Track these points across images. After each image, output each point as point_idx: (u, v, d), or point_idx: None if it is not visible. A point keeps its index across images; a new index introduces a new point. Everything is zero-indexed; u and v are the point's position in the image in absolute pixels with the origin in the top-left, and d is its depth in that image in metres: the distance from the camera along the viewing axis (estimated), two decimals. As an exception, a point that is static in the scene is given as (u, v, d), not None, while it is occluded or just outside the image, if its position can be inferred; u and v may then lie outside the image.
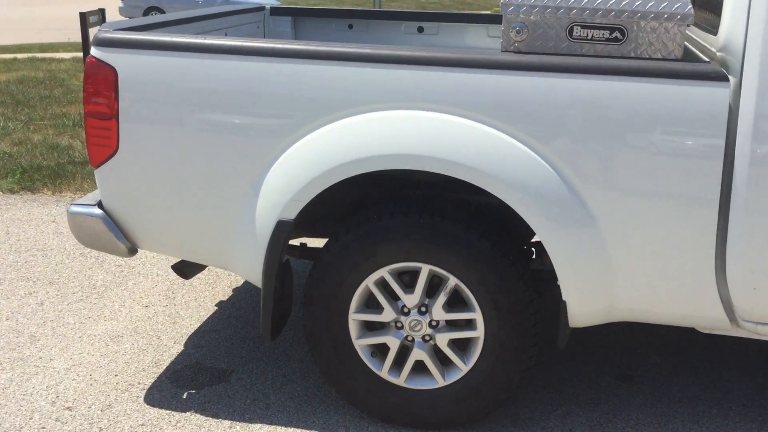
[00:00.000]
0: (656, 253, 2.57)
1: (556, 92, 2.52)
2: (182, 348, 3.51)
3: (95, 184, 5.85)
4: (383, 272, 2.77)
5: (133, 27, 3.07)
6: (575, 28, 2.57)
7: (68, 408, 3.05)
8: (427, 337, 2.84)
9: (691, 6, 2.50)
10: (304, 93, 2.67)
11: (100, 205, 2.99)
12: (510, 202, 2.57)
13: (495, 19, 4.24)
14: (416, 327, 2.83)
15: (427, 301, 2.81)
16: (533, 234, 3.11)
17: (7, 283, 4.17)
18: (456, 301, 2.82)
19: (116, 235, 2.97)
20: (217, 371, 3.33)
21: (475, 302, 2.73)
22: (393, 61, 2.60)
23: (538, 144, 2.55)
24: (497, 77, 2.55)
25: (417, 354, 2.84)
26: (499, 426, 2.96)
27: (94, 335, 3.62)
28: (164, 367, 3.34)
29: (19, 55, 13.15)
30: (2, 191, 5.74)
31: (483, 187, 2.58)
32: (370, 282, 2.79)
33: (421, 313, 2.81)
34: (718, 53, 2.58)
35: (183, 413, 3.02)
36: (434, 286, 2.83)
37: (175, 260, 4.40)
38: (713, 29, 2.69)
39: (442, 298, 2.77)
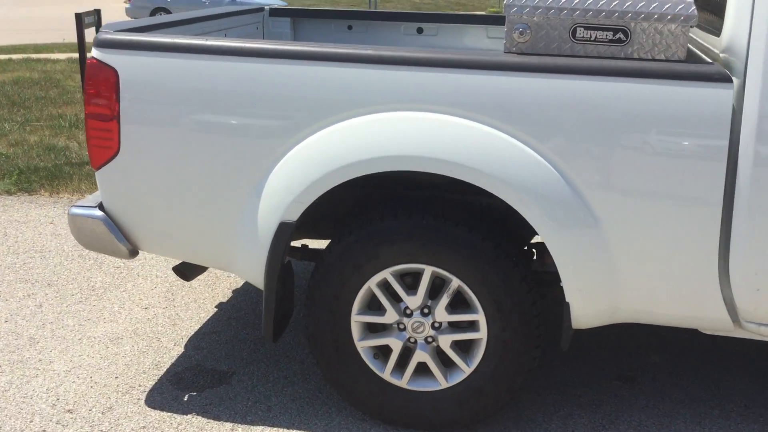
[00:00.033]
0: (660, 254, 2.57)
1: (559, 93, 2.52)
2: (182, 350, 3.50)
3: (93, 185, 5.84)
4: (386, 274, 2.76)
5: (134, 28, 3.06)
6: (578, 29, 2.57)
7: (69, 411, 3.04)
8: (429, 339, 2.83)
9: (694, 7, 2.50)
10: (306, 94, 2.67)
11: (100, 206, 2.98)
12: (513, 204, 2.57)
13: (494, 20, 4.23)
14: (419, 328, 2.82)
15: (429, 303, 2.80)
16: (532, 235, 3.11)
17: (6, 285, 4.16)
18: (458, 303, 2.81)
19: (117, 237, 2.96)
20: (218, 373, 3.32)
21: (478, 304, 2.73)
22: (396, 63, 2.59)
23: (541, 145, 2.55)
24: (500, 78, 2.55)
25: (419, 356, 2.84)
26: (502, 428, 2.95)
27: (94, 337, 3.61)
28: (165, 369, 3.33)
29: (14, 56, 13.11)
30: (-1, 192, 5.73)
31: (486, 189, 2.58)
32: (372, 283, 2.78)
33: (424, 315, 2.81)
34: (721, 54, 2.58)
35: (184, 416, 3.01)
36: (436, 287, 2.82)
37: (175, 262, 4.39)
38: (715, 30, 2.69)
39: (445, 300, 2.76)
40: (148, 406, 3.07)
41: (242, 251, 2.85)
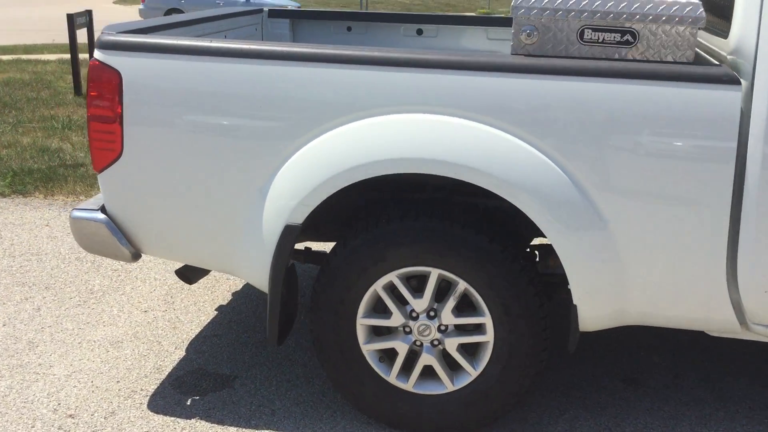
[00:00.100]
0: (667, 257, 2.57)
1: (566, 96, 2.51)
2: (184, 353, 3.47)
3: (87, 187, 5.80)
4: (392, 276, 2.75)
5: (135, 30, 3.03)
6: (586, 31, 2.57)
7: (71, 415, 3.01)
8: (435, 342, 2.82)
9: (702, 9, 2.50)
10: (312, 96, 2.65)
11: (103, 209, 2.95)
12: (521, 206, 2.56)
13: (494, 22, 4.23)
14: (425, 331, 2.81)
15: (435, 306, 2.79)
16: (533, 237, 3.11)
17: (3, 288, 4.12)
18: (465, 306, 2.80)
19: (120, 240, 2.93)
20: (221, 377, 3.29)
21: (484, 306, 2.72)
22: (403, 65, 2.58)
23: (549, 148, 2.54)
24: (508, 81, 2.54)
25: (425, 359, 2.82)
26: (508, 430, 2.94)
27: (94, 341, 3.58)
28: (166, 373, 3.31)
29: (4, 57, 13.02)
30: (-7, 195, 5.69)
31: (494, 191, 2.57)
32: (378, 286, 2.77)
33: (430, 318, 2.79)
34: (728, 56, 2.58)
35: (188, 420, 2.99)
36: (442, 290, 2.81)
37: (177, 265, 4.36)
38: (722, 32, 2.69)
39: (451, 303, 2.75)
40: (151, 411, 3.04)
41: (247, 254, 2.83)
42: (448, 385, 2.83)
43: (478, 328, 2.79)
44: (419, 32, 4.28)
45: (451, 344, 2.80)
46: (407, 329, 2.82)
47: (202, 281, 4.20)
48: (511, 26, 4.21)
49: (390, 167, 2.58)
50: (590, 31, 2.56)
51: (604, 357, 3.47)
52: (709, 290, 2.60)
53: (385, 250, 2.70)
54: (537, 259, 3.20)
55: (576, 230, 2.56)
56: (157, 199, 2.85)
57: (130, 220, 2.92)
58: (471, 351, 2.86)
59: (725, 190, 2.49)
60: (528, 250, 3.17)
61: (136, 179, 2.85)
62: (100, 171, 2.89)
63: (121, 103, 2.79)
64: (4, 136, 7.24)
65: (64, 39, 15.50)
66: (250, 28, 4.21)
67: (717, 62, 2.63)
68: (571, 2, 2.55)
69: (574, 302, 2.65)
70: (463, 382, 2.82)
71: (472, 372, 2.80)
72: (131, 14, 26.01)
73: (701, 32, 3.16)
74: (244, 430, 2.94)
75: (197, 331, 3.68)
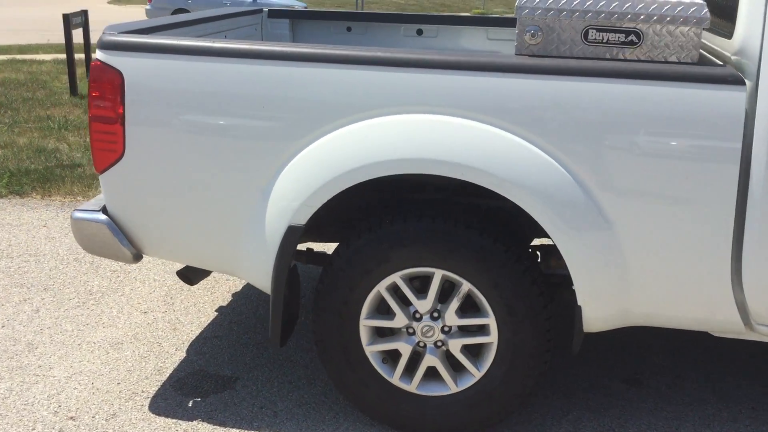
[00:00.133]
0: (672, 257, 2.56)
1: (571, 96, 2.51)
2: (184, 355, 3.46)
3: (85, 187, 5.78)
4: (395, 277, 2.74)
5: (136, 30, 3.02)
6: (590, 31, 2.56)
7: (71, 418, 2.99)
8: (439, 343, 2.81)
9: (707, 9, 2.50)
10: (315, 96, 2.64)
11: (104, 210, 2.94)
12: (526, 207, 2.55)
13: (494, 22, 4.22)
14: (428, 333, 2.80)
15: (439, 307, 2.78)
16: (534, 238, 3.10)
17: (1, 289, 4.10)
18: (468, 307, 2.79)
19: (121, 241, 2.91)
20: (222, 378, 3.28)
21: (488, 307, 2.71)
22: (408, 65, 2.57)
23: (553, 148, 2.53)
24: (512, 81, 2.53)
25: (429, 360, 2.81)
26: (511, 432, 2.94)
27: (94, 342, 3.56)
28: (167, 375, 3.29)
29: (-1, 57, 12.99)
30: (-10, 195, 5.66)
31: (498, 192, 2.56)
32: (382, 287, 2.76)
33: (434, 319, 2.78)
34: (732, 57, 2.58)
35: (190, 422, 2.97)
36: (445, 291, 2.80)
37: (176, 266, 4.34)
38: (727, 33, 2.69)
39: (455, 304, 2.74)
40: (153, 413, 3.02)
41: (249, 255, 2.81)
42: (451, 386, 2.82)
43: (482, 329, 2.78)
44: (419, 32, 4.27)
45: (455, 345, 2.79)
46: (410, 330, 2.81)
47: (202, 282, 4.18)
48: (510, 26, 4.21)
49: (396, 168, 2.57)
50: (594, 31, 2.56)
51: (605, 357, 3.47)
52: (713, 291, 2.59)
53: (389, 251, 2.69)
54: (538, 260, 3.19)
55: (581, 231, 2.55)
56: (158, 199, 2.84)
57: (132, 220, 2.90)
58: (474, 352, 2.85)
59: (730, 191, 2.49)
60: (529, 250, 3.16)
61: (138, 180, 2.83)
62: (102, 172, 2.87)
63: (122, 103, 2.78)
64: (0, 137, 7.21)
65: (59, 39, 15.45)
66: (250, 29, 4.20)
67: (721, 63, 2.62)
68: (575, 2, 2.54)
69: (579, 303, 2.65)
70: (467, 383, 2.82)
71: (475, 373, 2.80)
72: (126, 14, 25.95)
73: (704, 33, 3.16)
74: (246, 431, 2.93)
75: (197, 332, 3.66)
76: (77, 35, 9.98)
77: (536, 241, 4.14)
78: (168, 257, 2.97)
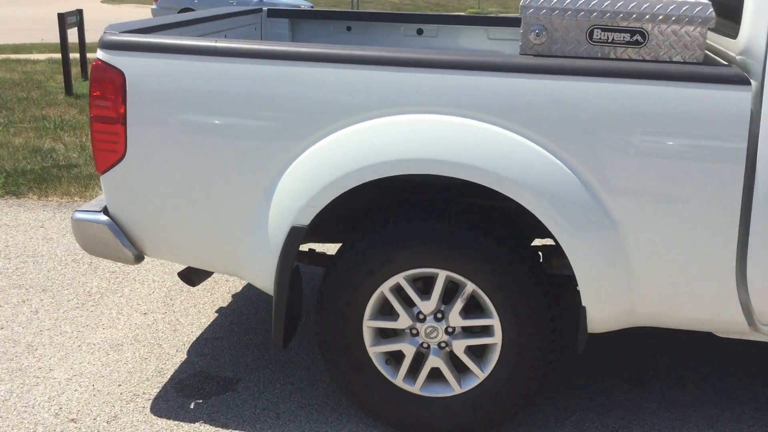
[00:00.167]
0: (677, 258, 2.56)
1: (576, 96, 2.50)
2: (185, 356, 3.44)
3: (82, 187, 5.75)
4: (399, 278, 2.73)
5: (137, 29, 3.00)
6: (595, 31, 2.55)
7: (73, 420, 2.97)
8: (443, 344, 2.80)
9: (712, 9, 2.49)
10: (319, 96, 2.62)
11: (105, 211, 2.92)
12: (531, 207, 2.54)
13: (494, 22, 4.21)
14: (432, 334, 2.79)
15: (443, 308, 2.77)
16: (535, 238, 3.10)
17: (-1, 290, 4.08)
18: (472, 307, 2.78)
19: (123, 242, 2.90)
20: (223, 380, 3.26)
21: (492, 308, 2.70)
22: (413, 65, 2.56)
23: (559, 149, 2.52)
24: (517, 81, 2.52)
25: (433, 361, 2.80)
26: (515, 433, 2.93)
27: (94, 344, 3.54)
28: (168, 377, 3.27)
29: (-7, 56, 12.93)
30: (-14, 196, 5.63)
31: (503, 192, 2.55)
32: (385, 288, 2.74)
33: (437, 320, 2.77)
34: (737, 57, 2.57)
35: (192, 424, 2.96)
36: (449, 291, 2.79)
37: (176, 266, 4.33)
38: (730, 33, 2.68)
39: (459, 305, 2.73)
40: (154, 415, 3.01)
41: (252, 256, 2.80)
42: (455, 387, 2.81)
43: (486, 330, 2.77)
44: (419, 32, 4.26)
45: (459, 346, 2.78)
46: (414, 331, 2.80)
47: (202, 283, 4.16)
48: (511, 26, 4.20)
49: (402, 168, 2.55)
50: (599, 31, 2.55)
51: (606, 357, 3.46)
52: (718, 291, 2.59)
53: (393, 252, 2.68)
54: (540, 260, 3.18)
55: (585, 231, 2.55)
56: (160, 200, 2.82)
57: (133, 221, 2.88)
58: (478, 353, 2.84)
59: (735, 191, 2.48)
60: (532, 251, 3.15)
61: (140, 180, 2.82)
62: (103, 172, 2.85)
63: (124, 103, 2.76)
64: (-5, 137, 7.18)
65: (53, 38, 15.42)
66: (249, 28, 4.18)
67: (726, 63, 2.62)
68: (580, 2, 2.53)
69: (583, 304, 2.64)
70: (471, 384, 2.81)
71: (479, 374, 2.78)
72: (120, 13, 25.90)
73: (709, 33, 3.15)
74: (249, 433, 2.92)
75: (198, 333, 3.65)
76: (72, 35, 9.94)
77: (536, 242, 4.13)
78: (170, 258, 2.95)
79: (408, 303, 2.80)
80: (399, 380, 2.84)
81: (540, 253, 3.18)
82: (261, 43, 2.68)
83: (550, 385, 3.24)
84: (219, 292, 4.08)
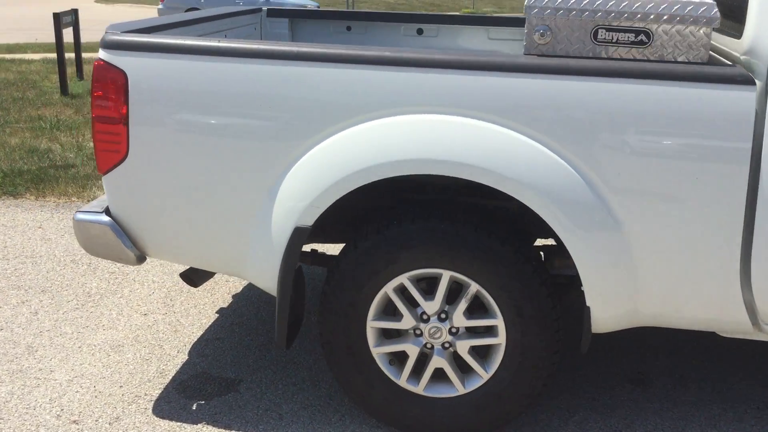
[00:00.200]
0: (681, 257, 2.56)
1: (580, 96, 2.49)
2: (186, 357, 3.43)
3: (79, 188, 5.73)
4: (403, 279, 2.72)
5: (139, 29, 2.99)
6: (600, 31, 2.55)
7: (75, 421, 2.96)
8: (446, 344, 2.79)
9: (716, 9, 2.49)
10: (323, 96, 2.62)
11: (107, 212, 2.91)
12: (535, 207, 2.54)
13: (495, 22, 4.21)
14: (436, 334, 2.78)
15: (447, 308, 2.76)
16: (537, 238, 3.09)
17: (-2, 291, 4.06)
18: (476, 308, 2.78)
19: (125, 243, 2.88)
20: (225, 381, 3.25)
21: (497, 309, 2.69)
22: (417, 65, 2.55)
23: (563, 149, 2.52)
24: (522, 81, 2.52)
25: (436, 361, 2.80)
26: (518, 433, 2.93)
27: (94, 345, 3.52)
28: (170, 378, 3.26)
29: (-13, 56, 12.88)
30: (-17, 196, 5.60)
31: (507, 193, 2.54)
32: (389, 289, 2.74)
33: (441, 320, 2.77)
34: (742, 57, 2.57)
35: (195, 425, 2.95)
36: (453, 292, 2.78)
37: (176, 266, 4.32)
38: (734, 33, 2.69)
39: (463, 305, 2.73)
40: (157, 416, 3.00)
41: (255, 257, 2.79)
42: (459, 387, 2.81)
43: (490, 330, 2.77)
44: (419, 32, 4.26)
45: (463, 347, 2.77)
46: (418, 332, 2.80)
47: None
48: (511, 26, 4.20)
49: (407, 168, 2.54)
50: (604, 31, 2.55)
51: (608, 357, 3.46)
52: (722, 291, 2.59)
53: (397, 252, 2.68)
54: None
55: (590, 231, 2.54)
56: (163, 201, 2.81)
57: (136, 222, 2.87)
58: (482, 353, 2.84)
59: (739, 191, 2.48)
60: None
61: (142, 181, 2.80)
62: (105, 173, 2.84)
63: (126, 103, 2.75)
64: (-9, 137, 7.15)
65: (47, 38, 15.36)
66: (249, 28, 4.17)
67: (730, 63, 2.62)
68: (584, 2, 2.53)
69: (588, 304, 2.64)
70: (475, 384, 2.80)
71: (483, 374, 2.78)
72: (113, 13, 25.84)
73: (712, 33, 3.15)
74: (252, 434, 2.91)
75: (199, 334, 3.64)
76: (67, 34, 9.90)
77: (538, 242, 4.13)
78: (172, 259, 2.94)
79: (412, 303, 2.79)
80: (403, 381, 2.83)
81: (541, 254, 3.18)
82: (264, 43, 2.67)
83: (553, 385, 3.24)
84: (219, 292, 4.07)
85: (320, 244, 4.53)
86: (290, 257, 2.71)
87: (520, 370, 2.74)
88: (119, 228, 2.89)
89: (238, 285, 4.16)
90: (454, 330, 2.77)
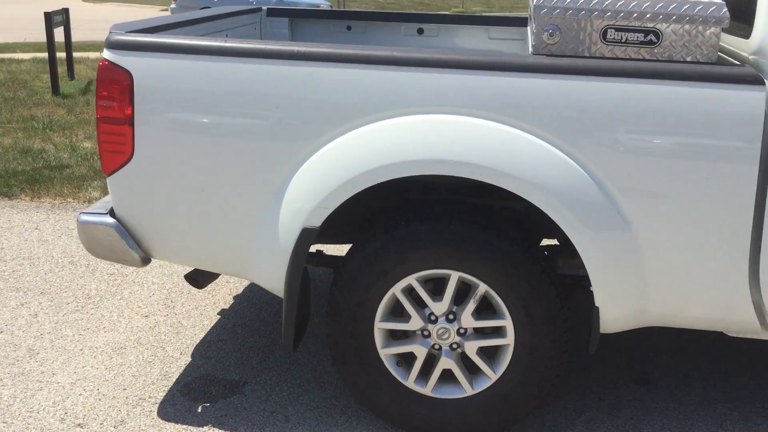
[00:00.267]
0: (690, 258, 2.56)
1: (590, 96, 2.49)
2: (190, 359, 3.40)
3: (75, 188, 5.69)
4: (411, 279, 2.71)
5: (142, 29, 2.96)
6: (609, 31, 2.55)
7: (79, 425, 2.93)
8: (454, 345, 2.78)
9: (726, 9, 2.49)
10: (330, 97, 2.60)
11: (111, 213, 2.88)
12: (545, 208, 2.53)
13: (495, 21, 4.20)
14: (444, 335, 2.77)
15: (455, 309, 2.76)
16: (543, 238, 3.09)
17: (-4, 293, 4.02)
18: (484, 308, 2.77)
19: (130, 245, 2.86)
20: (230, 383, 3.23)
21: (505, 309, 2.69)
22: (425, 65, 2.54)
23: (572, 149, 2.52)
24: (531, 80, 2.51)
25: (444, 362, 2.79)
26: (525, 434, 2.93)
27: (96, 347, 3.50)
28: (174, 380, 3.24)
29: (-24, 56, 12.78)
30: (-22, 197, 5.56)
31: (517, 193, 2.53)
32: (397, 290, 2.73)
33: (449, 321, 2.76)
34: (750, 57, 2.58)
35: (200, 428, 2.93)
36: (461, 293, 2.78)
37: (176, 267, 4.29)
38: (743, 33, 2.69)
39: (471, 306, 2.72)
40: (162, 419, 2.97)
41: (262, 258, 2.77)
42: (467, 389, 2.80)
43: (498, 331, 2.76)
44: (420, 32, 4.25)
45: (471, 347, 2.76)
46: (426, 333, 2.79)
47: (202, 285, 4.13)
48: (511, 26, 4.19)
49: (416, 169, 2.53)
50: (613, 31, 2.55)
51: (614, 357, 3.46)
52: (730, 291, 2.59)
53: (405, 253, 2.67)
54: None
55: (599, 232, 2.54)
56: (168, 202, 2.79)
57: (141, 224, 2.85)
58: (490, 354, 2.83)
59: (748, 191, 2.48)
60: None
61: (147, 182, 2.78)
62: (110, 174, 2.81)
63: (131, 104, 2.72)
64: (-16, 137, 7.09)
65: (36, 37, 15.26)
66: (249, 28, 4.15)
67: (739, 63, 2.62)
68: (594, 2, 2.53)
69: (596, 304, 2.63)
70: (483, 385, 2.79)
71: (492, 375, 2.77)
72: (101, 12, 25.71)
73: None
74: (258, 437, 2.89)
75: (201, 335, 3.61)
76: (58, 34, 9.84)
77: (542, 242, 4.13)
78: (177, 260, 2.92)
79: (419, 304, 2.78)
80: (410, 382, 2.82)
81: (546, 253, 3.18)
82: (271, 43, 2.65)
83: (560, 386, 3.23)
84: (220, 294, 4.05)
85: (322, 245, 4.51)
86: (297, 258, 2.70)
87: (529, 371, 2.73)
88: (124, 229, 2.86)
89: (239, 286, 4.14)
90: (462, 331, 2.77)
